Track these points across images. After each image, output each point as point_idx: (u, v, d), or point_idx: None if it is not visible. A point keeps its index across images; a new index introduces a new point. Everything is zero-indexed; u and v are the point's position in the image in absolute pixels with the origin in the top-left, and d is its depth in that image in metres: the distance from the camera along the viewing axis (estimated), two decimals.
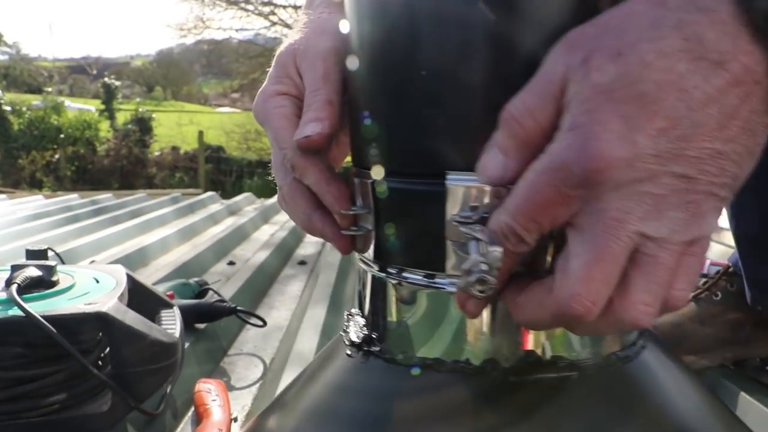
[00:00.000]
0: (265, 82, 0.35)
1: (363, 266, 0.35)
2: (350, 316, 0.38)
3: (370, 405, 0.31)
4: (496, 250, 0.25)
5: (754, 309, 0.61)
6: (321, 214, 0.34)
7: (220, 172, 9.29)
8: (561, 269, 0.24)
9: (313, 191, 0.33)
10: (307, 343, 0.78)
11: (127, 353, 0.50)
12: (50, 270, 0.55)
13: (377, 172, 0.31)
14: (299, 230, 2.07)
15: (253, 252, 1.65)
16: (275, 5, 9.35)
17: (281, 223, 2.23)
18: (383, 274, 0.33)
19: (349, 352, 0.35)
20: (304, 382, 0.36)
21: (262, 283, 1.33)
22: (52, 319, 0.48)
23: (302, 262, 1.57)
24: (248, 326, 0.92)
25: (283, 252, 1.66)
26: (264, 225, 2.27)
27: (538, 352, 0.29)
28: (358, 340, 0.35)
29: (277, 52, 0.35)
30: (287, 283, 1.37)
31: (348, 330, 0.37)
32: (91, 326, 0.51)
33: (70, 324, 0.49)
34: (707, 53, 0.21)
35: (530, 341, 0.29)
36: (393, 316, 0.33)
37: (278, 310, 1.15)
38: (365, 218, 0.33)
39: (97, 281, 0.58)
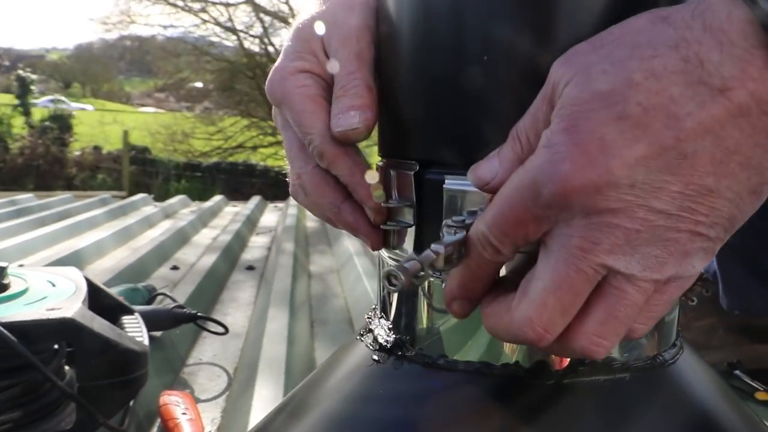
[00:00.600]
0: (282, 58, 0.32)
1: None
2: (371, 320, 0.36)
3: (413, 412, 0.29)
4: (433, 251, 0.25)
5: (727, 314, 0.62)
6: (351, 206, 0.32)
7: (146, 174, 8.95)
8: (522, 289, 0.24)
9: (342, 182, 0.32)
10: (274, 352, 0.75)
11: (96, 364, 0.46)
12: (0, 272, 0.50)
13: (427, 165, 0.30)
14: (243, 234, 2.02)
15: (197, 256, 1.61)
16: (207, 2, 9.04)
17: (222, 227, 2.18)
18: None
19: (376, 357, 0.33)
20: (325, 393, 0.33)
21: (211, 289, 1.29)
22: (10, 327, 0.43)
23: (250, 267, 1.54)
24: (205, 334, 0.88)
25: (229, 257, 1.62)
26: (204, 228, 2.21)
27: None
28: (387, 345, 0.33)
29: (296, 25, 0.33)
30: (238, 289, 1.33)
31: (370, 333, 0.35)
32: (54, 335, 0.46)
33: (31, 332, 0.44)
34: (708, 77, 0.19)
35: None
36: (427, 317, 0.32)
37: (233, 316, 1.11)
38: (400, 212, 0.32)
39: (53, 285, 0.53)
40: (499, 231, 0.23)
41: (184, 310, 0.77)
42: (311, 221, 2.26)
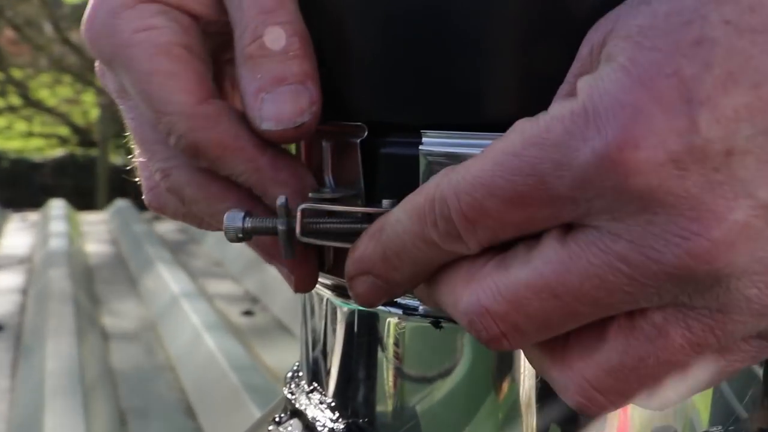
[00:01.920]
0: None
1: (335, 299, 0.35)
2: (293, 393, 0.38)
3: None
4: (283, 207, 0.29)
5: None
6: (265, 215, 0.32)
7: None
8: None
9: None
10: None
11: None
12: None
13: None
14: None
15: None
16: None
17: None
18: (388, 308, 0.33)
19: None
20: None
21: None
22: None
23: None
24: None
25: None
26: None
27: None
28: None
29: None
30: None
31: (295, 419, 0.37)
32: None
33: None
34: None
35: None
36: (396, 387, 0.33)
37: None
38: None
39: None
40: (477, 206, 0.24)
41: None
42: (97, 242, 2.24)
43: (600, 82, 0.23)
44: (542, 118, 0.23)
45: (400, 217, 0.27)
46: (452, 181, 0.25)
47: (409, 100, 0.31)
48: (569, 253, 0.24)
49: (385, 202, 0.29)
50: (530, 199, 0.24)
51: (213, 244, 2.85)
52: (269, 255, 0.35)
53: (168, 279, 1.54)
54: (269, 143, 0.32)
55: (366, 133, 0.32)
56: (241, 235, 0.29)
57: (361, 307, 0.34)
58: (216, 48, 0.34)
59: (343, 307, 0.35)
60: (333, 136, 0.34)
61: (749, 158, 0.22)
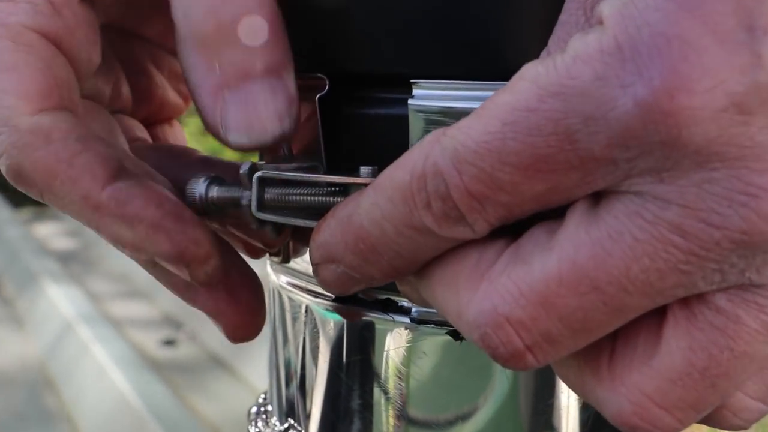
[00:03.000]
0: None
1: (318, 306, 0.36)
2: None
3: None
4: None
5: None
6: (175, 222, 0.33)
7: None
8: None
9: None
10: None
11: None
12: None
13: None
14: None
15: None
16: None
17: None
18: (388, 316, 0.34)
19: None
20: None
21: None
22: None
23: None
24: None
25: None
26: None
27: None
28: None
29: None
30: None
31: None
32: None
33: None
34: None
35: None
36: (406, 423, 0.34)
37: None
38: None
39: None
40: (486, 179, 0.25)
41: None
42: None
43: (634, 9, 0.23)
44: (561, 60, 0.24)
45: (377, 200, 0.27)
46: (447, 149, 0.26)
47: (396, 45, 0.32)
48: (607, 230, 0.24)
49: (364, 170, 0.29)
50: (555, 164, 0.24)
51: (118, 252, 2.81)
52: (185, 294, 0.35)
53: (58, 300, 1.54)
54: (120, 167, 0.33)
55: (327, 87, 0.32)
56: (203, 207, 0.31)
57: (370, 316, 0.35)
58: (126, 15, 0.35)
59: (328, 318, 0.35)
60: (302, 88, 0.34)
61: None
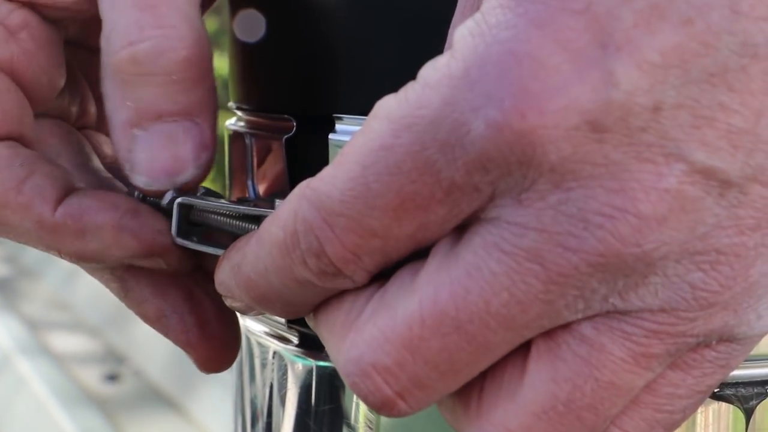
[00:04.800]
0: None
1: (286, 351, 0.37)
2: None
3: None
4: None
5: None
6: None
7: None
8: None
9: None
10: None
11: None
12: None
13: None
14: None
15: None
16: None
17: None
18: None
19: None
20: None
21: None
22: None
23: None
24: None
25: None
26: None
27: None
28: None
29: None
30: None
31: None
32: None
33: None
34: None
35: None
36: None
37: None
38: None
39: None
40: (357, 228, 0.25)
41: None
42: None
43: (484, 27, 0.23)
44: (412, 90, 0.24)
45: (259, 253, 0.28)
46: (314, 201, 0.26)
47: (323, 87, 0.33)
48: (466, 267, 0.24)
49: (279, 203, 0.29)
50: (422, 199, 0.24)
51: (57, 278, 2.82)
52: (157, 325, 0.35)
53: None
54: (70, 184, 0.33)
55: (294, 129, 0.33)
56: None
57: (323, 363, 0.34)
58: (89, 32, 0.35)
59: (297, 363, 0.35)
60: (257, 134, 0.35)
61: (682, 113, 0.23)
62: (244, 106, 0.38)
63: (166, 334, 0.36)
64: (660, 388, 0.26)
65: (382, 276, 0.27)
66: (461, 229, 0.25)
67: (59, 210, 0.33)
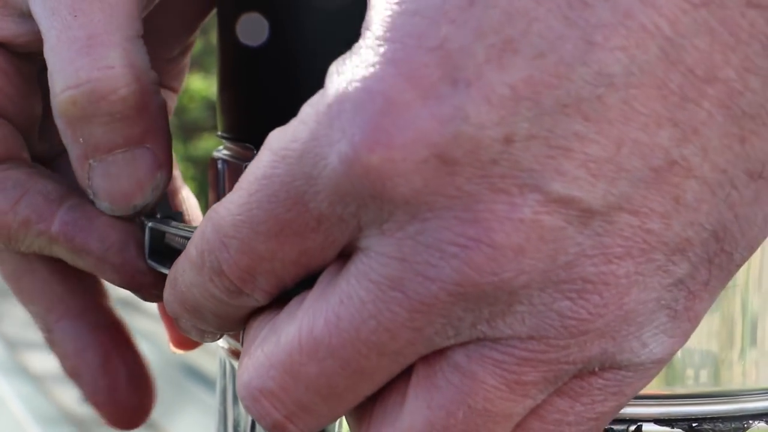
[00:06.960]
0: None
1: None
2: None
3: None
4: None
5: None
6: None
7: None
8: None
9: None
10: None
11: None
12: None
13: None
14: None
15: None
16: None
17: None
18: None
19: None
20: None
21: None
22: None
23: None
24: None
25: None
26: None
27: None
28: None
29: None
30: None
31: None
32: None
33: None
34: None
35: None
36: None
37: None
38: None
39: None
40: (248, 250, 0.26)
41: None
42: None
43: (348, 65, 0.24)
44: (290, 124, 0.25)
45: (185, 268, 0.28)
46: (215, 223, 0.26)
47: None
48: (340, 295, 0.25)
49: None
50: (298, 227, 0.25)
51: None
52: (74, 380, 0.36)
53: None
54: (65, 196, 0.34)
55: (254, 156, 0.32)
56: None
57: None
58: None
59: None
60: (228, 160, 0.36)
61: (536, 144, 0.23)
62: (224, 135, 0.38)
63: (80, 388, 0.37)
64: (547, 415, 0.26)
65: (290, 297, 0.28)
66: (346, 258, 0.26)
67: (54, 225, 0.34)
